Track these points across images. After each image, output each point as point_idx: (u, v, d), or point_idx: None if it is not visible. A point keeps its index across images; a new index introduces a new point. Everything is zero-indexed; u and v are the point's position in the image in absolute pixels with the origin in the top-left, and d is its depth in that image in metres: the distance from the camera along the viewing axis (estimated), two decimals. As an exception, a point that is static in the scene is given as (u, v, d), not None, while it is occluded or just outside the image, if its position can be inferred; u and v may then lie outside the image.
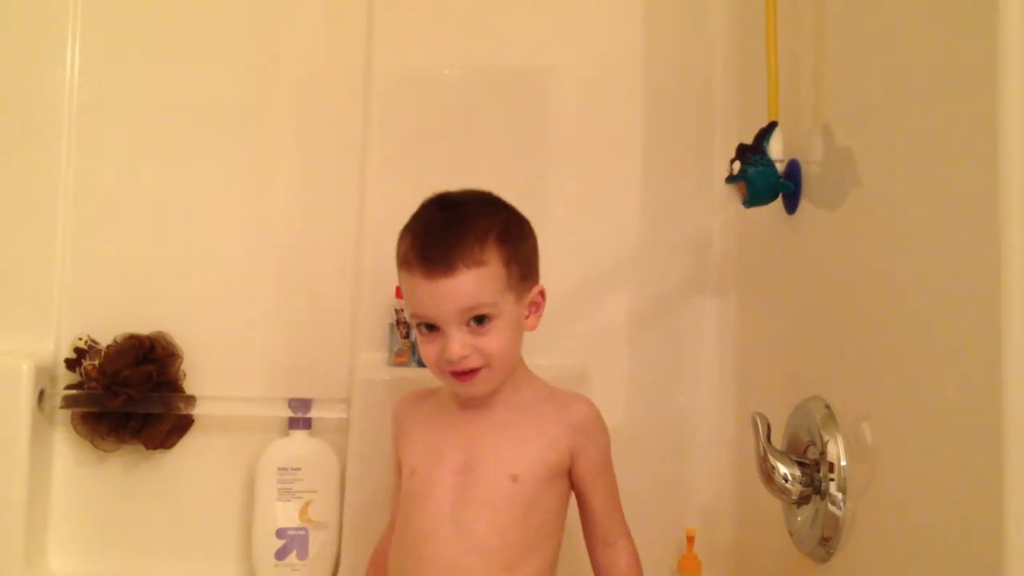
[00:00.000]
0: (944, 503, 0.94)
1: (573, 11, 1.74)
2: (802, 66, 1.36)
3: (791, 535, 1.28)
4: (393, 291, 1.61)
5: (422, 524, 1.29)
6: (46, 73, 1.63)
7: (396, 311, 1.62)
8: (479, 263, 1.25)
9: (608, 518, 1.35)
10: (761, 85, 1.36)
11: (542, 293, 1.35)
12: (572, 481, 1.34)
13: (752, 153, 1.32)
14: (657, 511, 1.70)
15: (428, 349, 1.28)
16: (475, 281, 1.24)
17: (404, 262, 1.28)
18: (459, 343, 1.25)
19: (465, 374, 1.27)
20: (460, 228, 1.27)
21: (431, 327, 1.26)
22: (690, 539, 1.60)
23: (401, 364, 1.63)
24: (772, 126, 1.33)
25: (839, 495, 1.15)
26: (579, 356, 1.70)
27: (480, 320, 1.25)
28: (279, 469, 1.61)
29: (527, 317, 1.33)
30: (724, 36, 1.73)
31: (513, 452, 1.30)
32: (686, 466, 1.72)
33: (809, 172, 1.32)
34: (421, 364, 1.55)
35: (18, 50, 1.62)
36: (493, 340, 1.26)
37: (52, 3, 1.64)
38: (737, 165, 1.33)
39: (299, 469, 1.61)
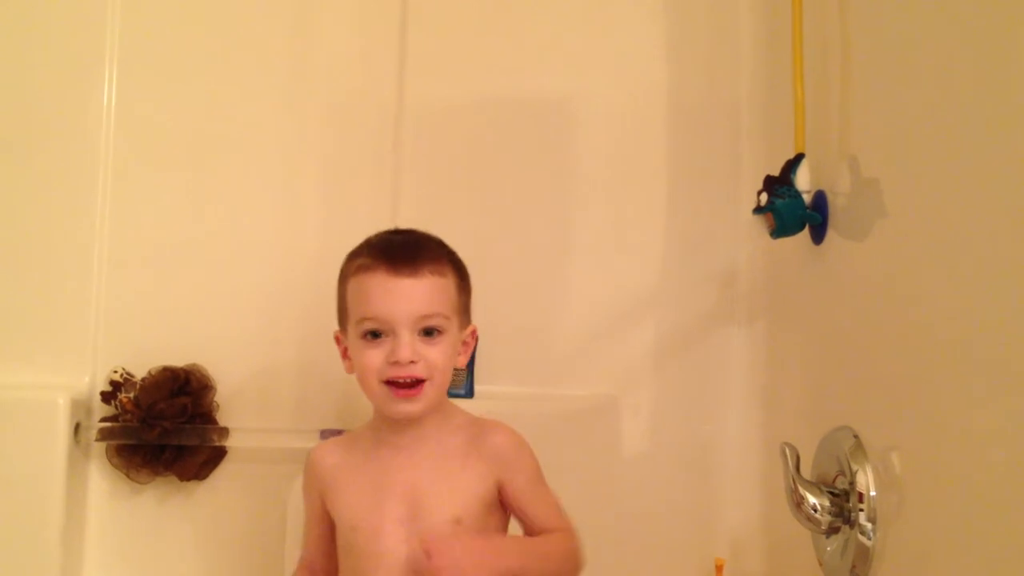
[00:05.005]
0: (975, 533, 0.94)
1: (600, 42, 1.77)
2: (829, 97, 1.36)
3: (821, 565, 1.27)
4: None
5: None
6: (83, 107, 1.65)
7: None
8: (441, 273, 1.27)
9: (548, 524, 1.29)
10: (788, 116, 1.37)
11: (474, 333, 1.34)
12: (505, 504, 1.30)
13: (779, 184, 1.34)
14: (685, 540, 1.71)
15: (372, 356, 1.25)
16: (436, 288, 1.26)
17: (360, 268, 1.27)
18: (409, 347, 1.23)
19: (410, 388, 1.24)
20: (423, 240, 1.31)
21: (377, 334, 1.25)
22: (719, 568, 1.60)
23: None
24: (799, 157, 1.34)
25: (869, 525, 1.15)
26: (608, 385, 1.72)
27: (430, 332, 1.25)
28: (311, 500, 1.61)
29: (459, 352, 1.32)
30: (751, 67, 1.74)
31: (450, 494, 1.27)
32: (714, 495, 1.72)
33: (836, 203, 1.32)
34: (453, 394, 1.56)
35: (55, 84, 1.64)
36: (439, 353, 1.25)
37: (89, 38, 1.65)
38: (764, 196, 1.35)
39: (331, 500, 1.61)
